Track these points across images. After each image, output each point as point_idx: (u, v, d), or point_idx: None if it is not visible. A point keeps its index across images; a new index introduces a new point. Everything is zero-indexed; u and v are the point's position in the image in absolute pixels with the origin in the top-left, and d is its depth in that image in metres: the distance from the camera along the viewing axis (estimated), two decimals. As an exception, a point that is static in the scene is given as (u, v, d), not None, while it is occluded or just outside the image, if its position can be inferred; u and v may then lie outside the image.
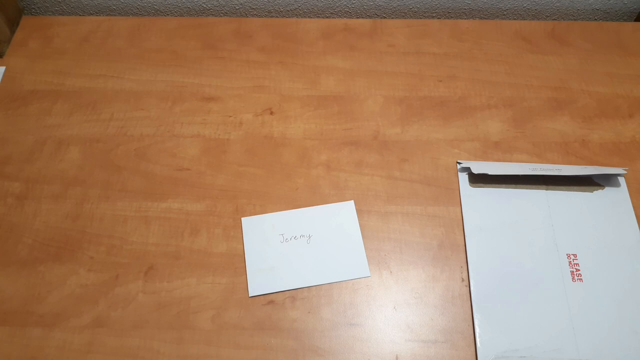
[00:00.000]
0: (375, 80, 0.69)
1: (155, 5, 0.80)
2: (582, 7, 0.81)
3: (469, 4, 0.80)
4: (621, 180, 0.61)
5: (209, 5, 0.80)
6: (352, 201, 0.60)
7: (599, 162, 0.63)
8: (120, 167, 0.62)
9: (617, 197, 0.60)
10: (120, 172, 0.62)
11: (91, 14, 0.82)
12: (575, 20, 0.82)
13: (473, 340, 0.52)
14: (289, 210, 0.59)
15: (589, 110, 0.67)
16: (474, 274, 0.55)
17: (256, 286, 0.54)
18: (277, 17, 0.82)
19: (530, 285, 0.54)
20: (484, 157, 0.63)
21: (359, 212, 0.59)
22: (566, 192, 0.60)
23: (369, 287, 0.55)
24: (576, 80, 0.70)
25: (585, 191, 0.60)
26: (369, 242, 0.57)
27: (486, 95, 0.68)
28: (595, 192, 0.60)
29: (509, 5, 0.80)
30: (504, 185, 0.60)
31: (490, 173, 0.60)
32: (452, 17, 0.82)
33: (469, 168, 0.61)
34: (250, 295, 0.54)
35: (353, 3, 0.80)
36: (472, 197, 0.60)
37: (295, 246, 0.57)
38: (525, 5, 0.80)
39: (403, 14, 0.82)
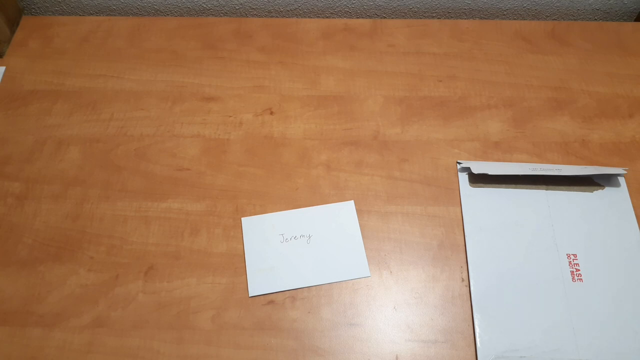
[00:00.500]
0: (375, 80, 0.69)
1: (155, 5, 0.80)
2: (582, 7, 0.81)
3: (469, 4, 0.80)
4: (621, 180, 0.61)
5: (209, 5, 0.80)
6: (352, 201, 0.60)
7: (599, 162, 0.63)
8: (120, 167, 0.62)
9: (617, 197, 0.60)
10: (120, 172, 0.62)
11: (91, 14, 0.82)
12: (575, 20, 0.82)
13: (473, 340, 0.52)
14: (289, 210, 0.59)
15: (589, 110, 0.67)
16: (474, 274, 0.55)
17: (256, 286, 0.54)
18: (277, 17, 0.82)
19: (530, 285, 0.54)
20: (484, 157, 0.63)
21: (359, 212, 0.59)
22: (566, 192, 0.60)
23: (369, 287, 0.55)
24: (576, 80, 0.70)
25: (585, 191, 0.60)
26: (369, 242, 0.57)
27: (486, 95, 0.68)
28: (595, 192, 0.60)
29: (509, 5, 0.80)
30: (504, 185, 0.60)
31: (490, 173, 0.60)
32: (452, 17, 0.82)
33: (469, 168, 0.61)
34: (250, 295, 0.54)
35: (353, 3, 0.80)
36: (472, 197, 0.60)
37: (295, 246, 0.57)
38: (525, 5, 0.80)
39: (403, 14, 0.82)
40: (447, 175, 0.61)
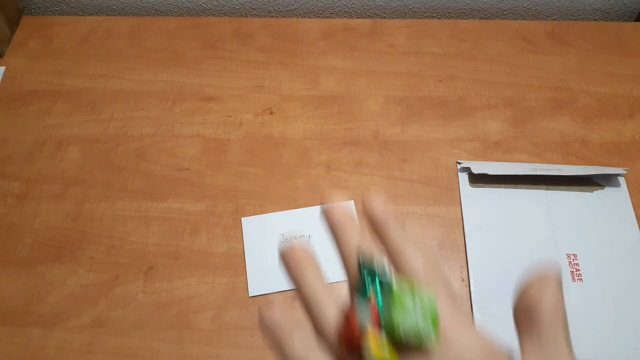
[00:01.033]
0: (375, 80, 0.69)
1: (155, 5, 0.80)
2: (582, 7, 0.81)
3: (469, 4, 0.80)
4: (621, 180, 0.61)
5: (209, 5, 0.80)
6: (352, 201, 0.60)
7: (599, 162, 0.63)
8: (120, 167, 0.62)
9: (617, 197, 0.60)
10: (120, 172, 0.62)
11: (91, 14, 0.82)
12: (575, 20, 0.82)
13: (473, 340, 0.51)
14: (289, 210, 0.59)
15: (589, 110, 0.67)
16: (474, 274, 0.55)
17: (256, 286, 0.54)
18: (277, 17, 0.82)
19: (530, 285, 0.54)
20: (484, 157, 0.63)
21: (359, 212, 0.59)
22: (566, 192, 0.60)
23: (369, 287, 0.55)
24: (576, 80, 0.70)
25: (585, 191, 0.60)
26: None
27: (486, 95, 0.68)
28: (595, 192, 0.60)
29: (509, 5, 0.80)
30: (504, 185, 0.60)
31: (490, 173, 0.60)
32: (452, 17, 0.82)
33: (469, 168, 0.61)
34: (250, 295, 0.54)
35: (353, 3, 0.80)
36: (472, 197, 0.60)
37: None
38: (525, 5, 0.80)
39: (403, 14, 0.82)
40: (447, 175, 0.61)
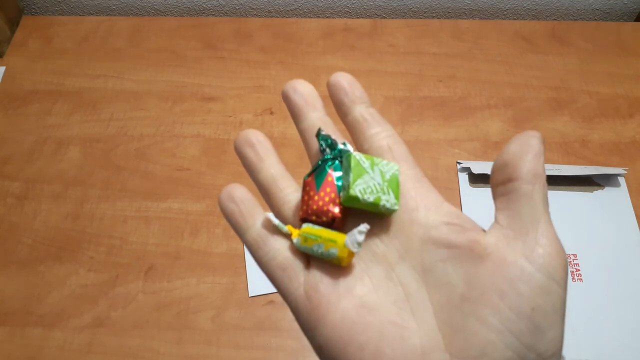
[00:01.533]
0: (375, 80, 0.69)
1: (155, 5, 0.80)
2: (582, 7, 0.81)
3: (469, 4, 0.80)
4: (621, 180, 0.61)
5: (209, 5, 0.80)
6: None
7: (599, 162, 0.63)
8: (120, 167, 0.62)
9: (617, 197, 0.60)
10: (120, 172, 0.62)
11: (91, 14, 0.82)
12: (575, 20, 0.82)
13: (473, 340, 0.51)
14: (289, 210, 0.59)
15: (589, 110, 0.67)
16: (474, 274, 0.55)
17: (256, 286, 0.54)
18: (277, 17, 0.82)
19: (530, 285, 0.54)
20: (484, 157, 0.63)
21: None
22: (566, 192, 0.60)
23: (369, 287, 0.55)
24: (576, 80, 0.70)
25: (585, 191, 0.60)
26: (369, 242, 0.57)
27: (486, 95, 0.68)
28: (595, 192, 0.60)
29: (509, 5, 0.80)
30: (504, 185, 0.60)
31: (490, 173, 0.60)
32: (452, 17, 0.82)
33: (469, 168, 0.61)
34: (250, 295, 0.54)
35: (353, 3, 0.80)
36: (472, 197, 0.60)
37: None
38: (525, 5, 0.80)
39: (403, 14, 0.82)
40: (447, 175, 0.61)
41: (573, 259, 0.56)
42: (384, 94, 0.68)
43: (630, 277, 0.55)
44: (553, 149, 0.64)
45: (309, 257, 0.24)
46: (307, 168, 0.62)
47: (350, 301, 0.22)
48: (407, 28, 0.75)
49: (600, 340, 0.51)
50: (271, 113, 0.66)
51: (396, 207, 0.23)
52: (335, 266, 0.23)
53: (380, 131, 0.25)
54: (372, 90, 0.68)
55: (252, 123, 0.65)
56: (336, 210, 0.23)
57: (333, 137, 0.25)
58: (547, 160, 0.63)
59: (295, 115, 0.27)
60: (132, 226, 0.58)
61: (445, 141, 0.64)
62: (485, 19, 0.82)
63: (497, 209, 0.23)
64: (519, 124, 0.65)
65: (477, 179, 0.61)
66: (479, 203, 0.59)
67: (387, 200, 0.23)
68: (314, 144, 0.26)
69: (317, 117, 0.27)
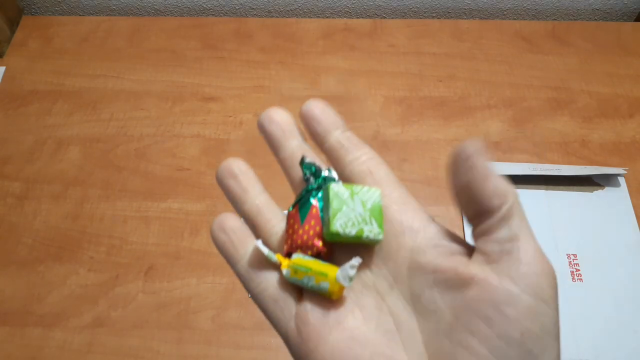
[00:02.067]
0: (375, 80, 0.69)
1: (155, 5, 0.80)
2: (582, 7, 0.81)
3: (469, 4, 0.80)
4: (621, 180, 0.61)
5: (209, 5, 0.80)
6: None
7: (599, 162, 0.63)
8: (120, 167, 0.62)
9: (617, 197, 0.60)
10: (120, 172, 0.62)
11: (91, 14, 0.82)
12: (575, 20, 0.82)
13: (473, 340, 0.51)
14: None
15: (589, 110, 0.67)
16: (474, 274, 0.55)
17: (256, 286, 0.54)
18: (277, 17, 0.82)
19: (530, 285, 0.54)
20: (484, 157, 0.63)
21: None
22: (566, 192, 0.60)
23: (369, 287, 0.55)
24: (576, 80, 0.69)
25: (585, 191, 0.60)
26: (369, 242, 0.57)
27: (486, 95, 0.68)
28: (595, 192, 0.60)
29: (509, 5, 0.80)
30: (504, 185, 0.60)
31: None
32: (452, 17, 0.82)
33: (469, 168, 0.61)
34: (250, 295, 0.54)
35: (353, 3, 0.80)
36: (472, 197, 0.60)
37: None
38: (525, 5, 0.80)
39: (403, 14, 0.82)
40: (447, 176, 0.61)
41: (573, 259, 0.56)
42: (384, 94, 0.68)
43: (630, 277, 0.55)
44: (553, 149, 0.64)
45: (300, 288, 0.23)
46: (307, 168, 0.62)
47: (340, 334, 0.22)
48: (407, 28, 0.75)
49: (600, 340, 0.51)
50: (271, 113, 0.66)
51: (380, 237, 0.23)
52: (326, 298, 0.23)
53: (359, 155, 0.25)
54: (372, 90, 0.68)
55: (252, 123, 0.65)
56: (320, 244, 0.23)
57: (317, 164, 0.25)
58: (547, 160, 0.63)
59: (273, 145, 0.27)
60: (132, 226, 0.58)
61: (445, 141, 0.64)
62: (485, 19, 0.82)
63: (473, 235, 0.22)
64: (519, 124, 0.65)
65: (477, 179, 0.61)
66: (479, 203, 0.59)
67: (370, 230, 0.22)
68: (297, 173, 0.26)
69: (297, 145, 0.26)
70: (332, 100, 0.67)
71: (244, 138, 0.64)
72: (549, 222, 0.58)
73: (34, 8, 0.81)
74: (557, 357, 0.20)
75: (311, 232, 0.23)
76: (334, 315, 0.22)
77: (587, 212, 0.59)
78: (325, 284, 0.22)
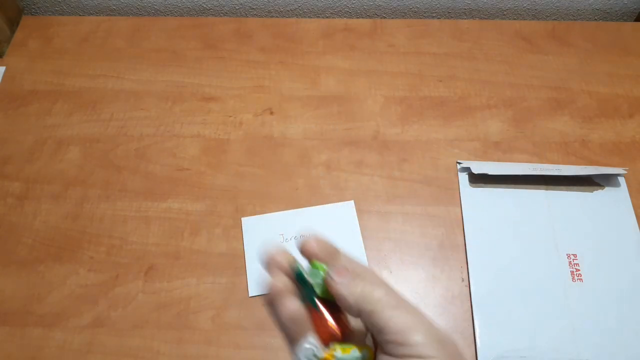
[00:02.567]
0: (375, 80, 0.69)
1: (155, 5, 0.80)
2: (582, 7, 0.81)
3: (469, 4, 0.80)
4: (621, 180, 0.61)
5: (209, 5, 0.80)
6: (352, 201, 0.60)
7: (599, 162, 0.63)
8: (120, 167, 0.62)
9: (617, 197, 0.60)
10: (120, 172, 0.62)
11: (91, 14, 0.82)
12: (575, 20, 0.82)
13: (473, 341, 0.52)
14: (289, 210, 0.59)
15: (589, 110, 0.67)
16: (474, 274, 0.55)
17: (256, 286, 0.54)
18: (277, 17, 0.82)
19: (530, 285, 0.54)
20: (484, 157, 0.63)
21: (359, 212, 0.59)
22: (566, 192, 0.60)
23: (369, 287, 0.55)
24: (576, 80, 0.69)
25: (585, 191, 0.60)
26: (369, 242, 0.57)
27: (486, 95, 0.68)
28: (595, 192, 0.60)
29: (509, 5, 0.80)
30: (504, 185, 0.60)
31: (490, 173, 0.60)
32: (452, 17, 0.82)
33: (469, 168, 0.61)
34: (250, 295, 0.54)
35: (353, 3, 0.80)
36: (472, 197, 0.60)
37: (295, 246, 0.57)
38: (525, 5, 0.80)
39: (403, 14, 0.82)
40: (447, 175, 0.61)
41: (573, 259, 0.56)
42: (384, 94, 0.68)
43: (630, 277, 0.55)
44: (553, 149, 0.64)
45: None
46: (307, 168, 0.62)
47: None
48: (407, 28, 0.75)
49: (600, 340, 0.51)
50: (271, 113, 0.66)
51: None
52: None
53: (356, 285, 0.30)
54: (372, 90, 0.68)
55: (252, 123, 0.65)
56: (335, 328, 0.29)
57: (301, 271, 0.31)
58: (547, 160, 0.63)
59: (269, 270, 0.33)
60: (132, 226, 0.58)
61: (445, 141, 0.64)
62: (485, 19, 0.82)
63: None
64: (519, 124, 0.65)
65: (477, 179, 0.61)
66: (479, 203, 0.59)
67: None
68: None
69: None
70: (332, 100, 0.67)
71: (244, 138, 0.64)
72: (549, 222, 0.58)
73: (34, 8, 0.81)
74: None
75: (326, 322, 0.29)
76: None
77: (587, 212, 0.59)
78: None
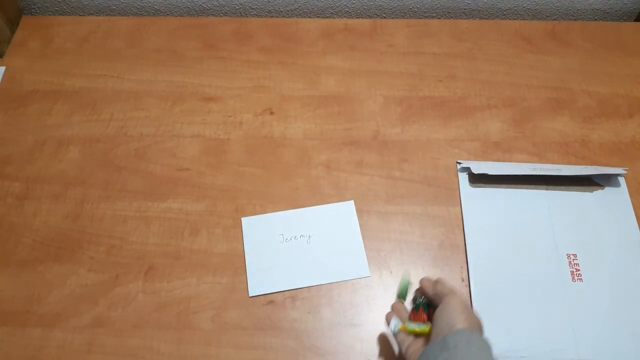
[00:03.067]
0: (375, 80, 0.69)
1: (155, 5, 0.80)
2: (582, 7, 0.81)
3: (469, 4, 0.80)
4: (621, 180, 0.61)
5: (209, 5, 0.80)
6: (352, 201, 0.60)
7: (599, 162, 0.63)
8: (120, 167, 0.62)
9: (617, 197, 0.60)
10: (120, 172, 0.62)
11: (91, 14, 0.82)
12: (575, 20, 0.82)
13: (473, 340, 0.51)
14: (289, 210, 0.59)
15: (589, 110, 0.67)
16: (474, 274, 0.55)
17: (256, 286, 0.54)
18: (277, 17, 0.82)
19: (531, 286, 0.54)
20: (484, 157, 0.63)
21: (359, 212, 0.59)
22: (566, 192, 0.60)
23: (369, 287, 0.55)
24: (576, 80, 0.70)
25: (585, 191, 0.60)
26: (369, 242, 0.57)
27: (486, 95, 0.68)
28: (595, 192, 0.60)
29: (509, 5, 0.80)
30: (504, 185, 0.60)
31: (490, 173, 0.60)
32: (452, 17, 0.82)
33: (469, 168, 0.61)
34: (250, 295, 0.54)
35: (353, 3, 0.80)
36: (472, 197, 0.60)
37: (295, 246, 0.57)
38: (525, 5, 0.80)
39: (403, 14, 0.82)
40: (447, 175, 0.61)
41: (573, 259, 0.56)
42: (384, 94, 0.68)
43: (630, 277, 0.55)
44: (553, 149, 0.64)
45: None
46: (307, 168, 0.62)
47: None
48: (407, 28, 0.75)
49: (600, 340, 0.51)
50: (271, 113, 0.66)
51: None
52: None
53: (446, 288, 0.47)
54: (372, 90, 0.68)
55: (252, 123, 0.65)
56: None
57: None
58: (547, 160, 0.63)
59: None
60: (132, 226, 0.58)
61: (445, 141, 0.64)
62: (485, 19, 0.82)
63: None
64: (518, 124, 0.65)
65: (477, 179, 0.61)
66: (479, 203, 0.59)
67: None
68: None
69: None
70: (332, 100, 0.67)
71: (244, 138, 0.64)
72: (549, 222, 0.58)
73: (34, 8, 0.81)
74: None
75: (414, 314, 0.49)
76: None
77: (587, 212, 0.59)
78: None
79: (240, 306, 0.53)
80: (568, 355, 0.51)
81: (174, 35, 0.73)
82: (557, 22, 0.75)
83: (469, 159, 0.63)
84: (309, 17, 0.82)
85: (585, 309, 0.53)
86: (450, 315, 0.43)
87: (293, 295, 0.54)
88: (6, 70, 0.70)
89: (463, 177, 0.61)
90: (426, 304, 0.48)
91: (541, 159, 0.63)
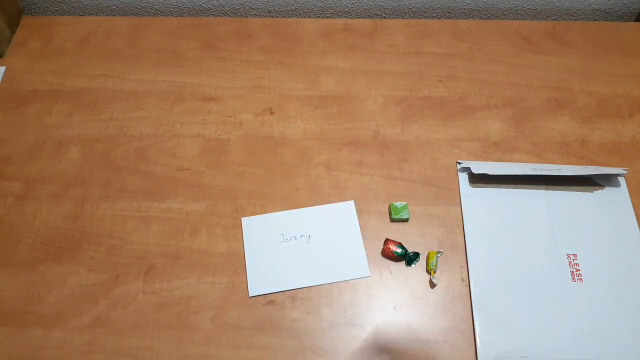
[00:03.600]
0: (375, 80, 0.69)
1: (155, 5, 0.80)
2: (582, 7, 0.81)
3: (469, 4, 0.80)
4: (621, 180, 0.61)
5: (209, 5, 0.80)
6: (352, 201, 0.60)
7: (599, 162, 0.63)
8: (120, 167, 0.62)
9: (617, 197, 0.60)
10: (120, 172, 0.62)
11: (91, 14, 0.82)
12: (575, 20, 0.82)
13: (473, 341, 0.52)
14: (289, 210, 0.59)
15: (589, 110, 0.67)
16: (474, 274, 0.55)
17: (256, 286, 0.54)
18: (277, 17, 0.82)
19: (531, 286, 0.54)
20: (484, 157, 0.63)
21: (359, 212, 0.59)
22: (566, 192, 0.60)
23: (369, 287, 0.55)
24: (576, 80, 0.70)
25: (585, 191, 0.60)
26: (369, 242, 0.57)
27: (486, 95, 0.68)
28: (595, 192, 0.60)
29: (509, 5, 0.80)
30: (504, 185, 0.60)
31: (490, 173, 0.60)
32: (452, 17, 0.82)
33: (469, 168, 0.61)
34: (250, 295, 0.54)
35: (353, 3, 0.80)
36: (472, 197, 0.60)
37: (295, 246, 0.57)
38: (525, 5, 0.80)
39: (403, 14, 0.82)
40: (447, 175, 0.61)
41: (573, 259, 0.56)
42: (384, 94, 0.68)
43: (630, 277, 0.55)
44: (553, 149, 0.64)
45: None
46: (307, 168, 0.62)
47: None
48: (407, 28, 0.75)
49: (600, 340, 0.51)
50: (271, 113, 0.66)
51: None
52: None
53: None
54: (372, 90, 0.68)
55: (252, 123, 0.65)
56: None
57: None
58: (547, 160, 0.63)
59: None
60: (132, 226, 0.58)
61: (445, 141, 0.64)
62: (485, 19, 0.82)
63: None
64: (518, 124, 0.65)
65: (477, 179, 0.61)
66: (479, 203, 0.59)
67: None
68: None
69: None
70: (332, 100, 0.67)
71: (244, 138, 0.64)
72: (549, 222, 0.58)
73: (34, 8, 0.81)
74: None
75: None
76: None
77: (587, 212, 0.59)
78: None
79: (240, 306, 0.53)
80: (568, 355, 0.51)
81: (173, 35, 0.73)
82: (557, 22, 0.76)
83: (469, 159, 0.63)
84: (309, 17, 0.82)
85: (585, 309, 0.53)
86: None
87: (293, 295, 0.54)
88: (6, 70, 0.70)
89: (463, 177, 0.61)
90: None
91: (541, 159, 0.63)
